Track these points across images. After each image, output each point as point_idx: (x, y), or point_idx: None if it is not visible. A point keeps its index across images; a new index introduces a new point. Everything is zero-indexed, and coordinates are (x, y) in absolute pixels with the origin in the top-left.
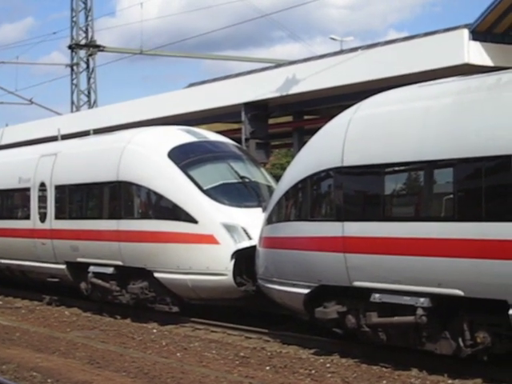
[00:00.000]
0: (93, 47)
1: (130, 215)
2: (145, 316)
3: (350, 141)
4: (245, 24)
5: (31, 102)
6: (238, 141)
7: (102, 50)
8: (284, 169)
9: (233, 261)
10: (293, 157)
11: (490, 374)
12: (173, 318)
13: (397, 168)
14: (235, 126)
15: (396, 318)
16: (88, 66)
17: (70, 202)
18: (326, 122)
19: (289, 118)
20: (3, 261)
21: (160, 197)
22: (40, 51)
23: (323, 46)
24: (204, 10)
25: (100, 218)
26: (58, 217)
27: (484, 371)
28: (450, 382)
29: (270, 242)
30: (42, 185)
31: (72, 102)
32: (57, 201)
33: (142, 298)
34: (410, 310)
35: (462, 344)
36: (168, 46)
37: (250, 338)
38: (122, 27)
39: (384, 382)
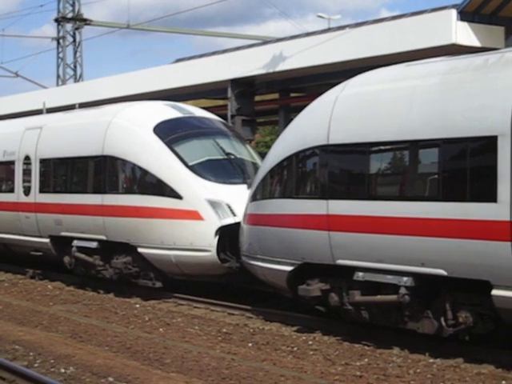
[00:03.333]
0: (79, 21)
1: (114, 190)
2: (128, 291)
3: (336, 119)
4: (237, 0)
5: (17, 74)
6: (224, 117)
7: (88, 24)
8: (268, 147)
9: (217, 237)
10: (278, 134)
11: (471, 353)
12: (156, 293)
13: (382, 147)
14: (221, 102)
15: (379, 297)
16: (74, 40)
17: (54, 175)
18: (313, 99)
19: (275, 96)
20: None
21: (145, 172)
22: (29, 24)
23: (315, 23)
24: None
25: (84, 192)
26: (42, 190)
27: (465, 351)
28: (431, 361)
29: (254, 218)
30: (27, 158)
31: (58, 76)
32: (41, 174)
33: (125, 272)
34: (393, 288)
35: (444, 323)
36: (158, 20)
37: (233, 314)
38: (114, 0)
39: (366, 359)
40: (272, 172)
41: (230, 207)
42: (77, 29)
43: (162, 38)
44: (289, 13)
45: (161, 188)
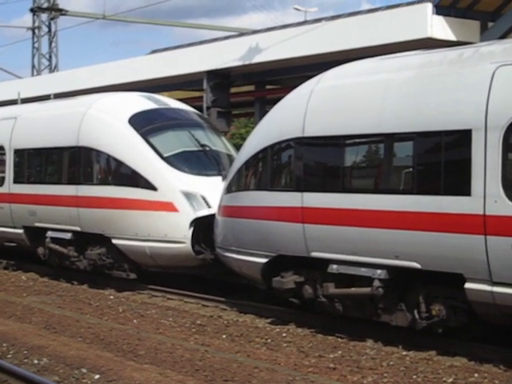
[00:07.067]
0: (55, 11)
1: (89, 181)
2: (102, 282)
3: (312, 112)
4: None
5: None
6: (200, 109)
7: (64, 14)
8: (243, 139)
9: (191, 229)
10: (253, 127)
11: (444, 346)
12: (130, 284)
13: (357, 140)
14: (197, 93)
15: (353, 289)
16: (50, 30)
17: (29, 166)
18: (288, 92)
19: (251, 88)
20: None
21: (120, 163)
22: (10, 13)
23: (296, 16)
24: None
25: (59, 183)
26: (16, 181)
27: (438, 344)
28: (404, 353)
29: (229, 210)
30: (1, 148)
31: (33, 66)
32: (16, 165)
33: (99, 264)
34: (367, 281)
35: (417, 316)
36: (139, 10)
37: (207, 306)
38: None
39: (339, 352)
40: (247, 164)
41: (204, 199)
42: (52, 19)
43: (143, 29)
44: (270, 5)
45: (135, 179)
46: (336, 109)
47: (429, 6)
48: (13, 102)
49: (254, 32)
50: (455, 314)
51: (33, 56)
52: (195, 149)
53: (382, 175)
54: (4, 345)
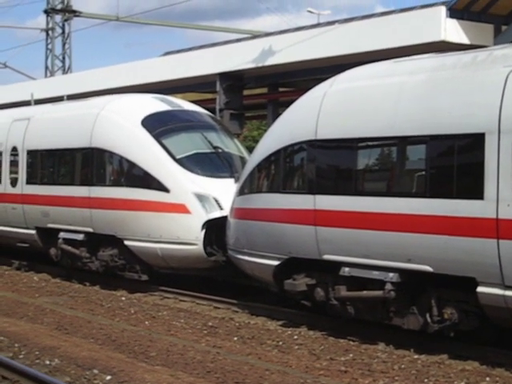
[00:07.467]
0: (68, 12)
1: (101, 182)
2: (114, 283)
3: (325, 114)
4: None
5: (5, 65)
6: (212, 111)
7: (77, 16)
8: (256, 141)
9: (203, 231)
10: (266, 129)
11: (455, 350)
12: (142, 286)
13: (370, 143)
14: (209, 95)
15: (365, 292)
16: (63, 31)
17: (41, 167)
18: (301, 94)
19: (264, 90)
20: None
21: (132, 164)
22: (24, 14)
23: (309, 18)
24: None
25: (72, 184)
26: (29, 182)
27: (450, 347)
28: (416, 356)
29: (241, 213)
30: (14, 149)
31: (46, 67)
32: (28, 166)
33: (111, 265)
34: (379, 284)
35: (429, 320)
36: (152, 12)
37: (219, 308)
38: None
39: (351, 355)
40: (260, 166)
41: (217, 201)
42: (66, 20)
43: (156, 31)
44: (284, 8)
45: (148, 181)
46: (349, 111)
47: (443, 10)
48: (26, 103)
49: (267, 34)
50: (467, 317)
51: (46, 57)
52: (208, 151)
53: (394, 178)
54: (16, 345)
